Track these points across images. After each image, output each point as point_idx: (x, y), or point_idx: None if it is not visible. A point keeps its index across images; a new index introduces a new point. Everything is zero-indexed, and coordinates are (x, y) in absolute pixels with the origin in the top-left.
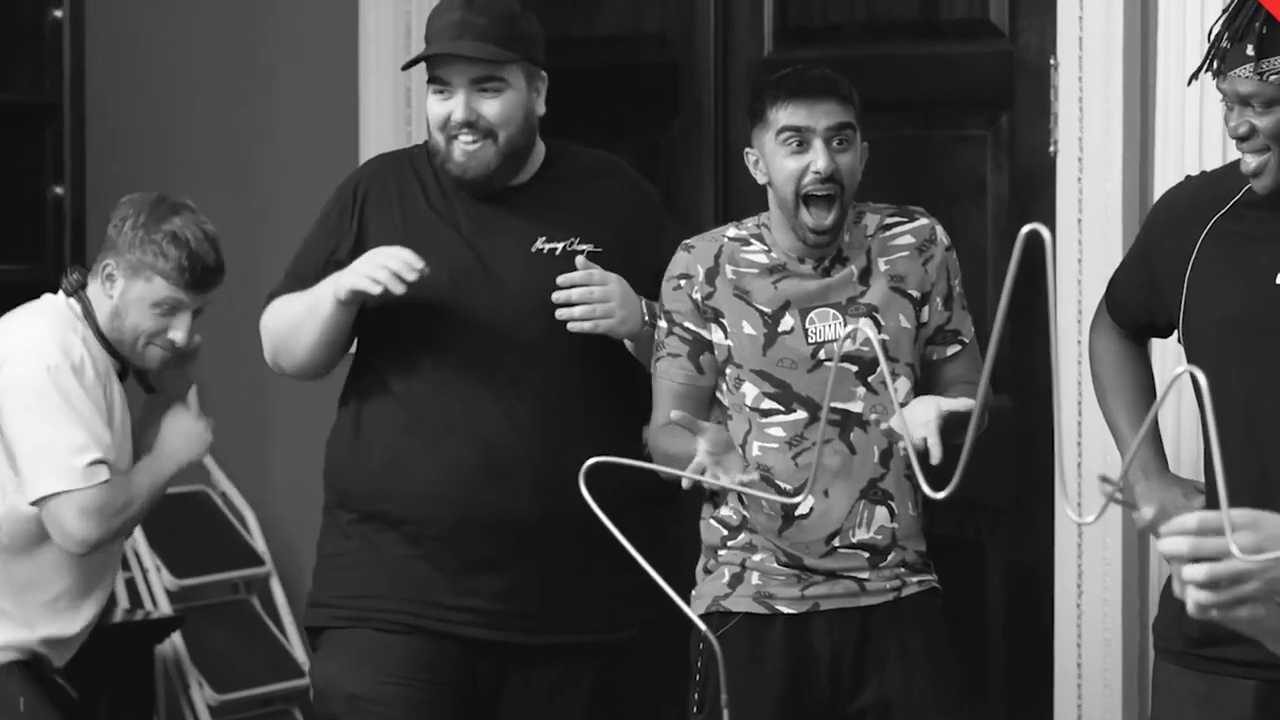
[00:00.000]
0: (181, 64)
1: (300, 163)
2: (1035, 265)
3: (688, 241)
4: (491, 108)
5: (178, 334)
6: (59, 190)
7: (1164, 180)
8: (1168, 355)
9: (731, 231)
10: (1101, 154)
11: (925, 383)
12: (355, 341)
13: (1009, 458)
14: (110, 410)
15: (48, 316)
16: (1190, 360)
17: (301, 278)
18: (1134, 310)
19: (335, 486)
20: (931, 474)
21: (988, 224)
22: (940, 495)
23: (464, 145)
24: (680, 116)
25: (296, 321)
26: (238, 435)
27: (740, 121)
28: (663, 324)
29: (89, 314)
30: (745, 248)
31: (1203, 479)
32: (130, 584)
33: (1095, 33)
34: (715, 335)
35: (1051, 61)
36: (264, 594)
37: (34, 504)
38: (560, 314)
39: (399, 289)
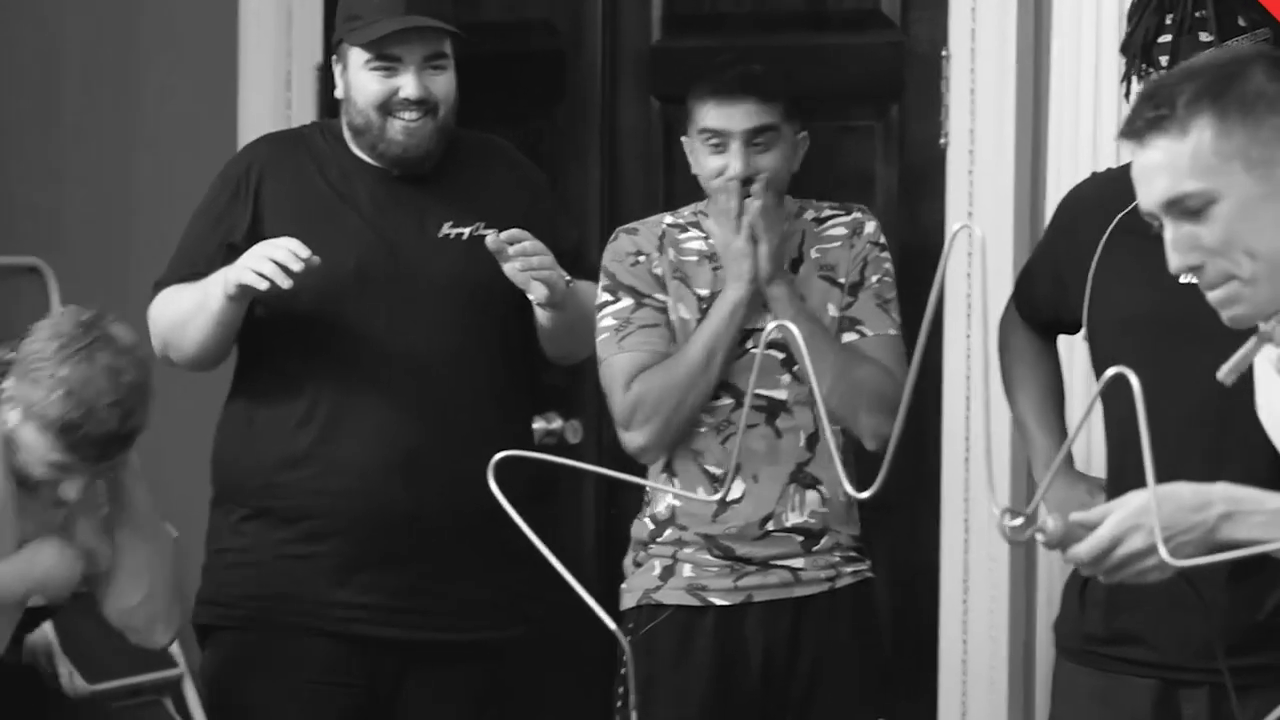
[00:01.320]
0: (55, 38)
1: (176, 145)
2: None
3: (629, 225)
4: (439, 85)
5: (69, 492)
6: None
7: (1058, 173)
8: (1075, 353)
9: (669, 219)
10: (994, 146)
11: None
12: (247, 328)
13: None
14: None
15: None
16: (1095, 359)
17: (193, 265)
18: (1042, 307)
19: (226, 481)
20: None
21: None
22: (864, 495)
23: (406, 122)
24: (565, 104)
25: (186, 315)
26: None
27: (626, 110)
28: (628, 300)
29: None
30: (683, 234)
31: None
32: None
33: (988, 23)
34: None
35: (943, 53)
36: None
37: None
38: (505, 267)
39: (285, 283)
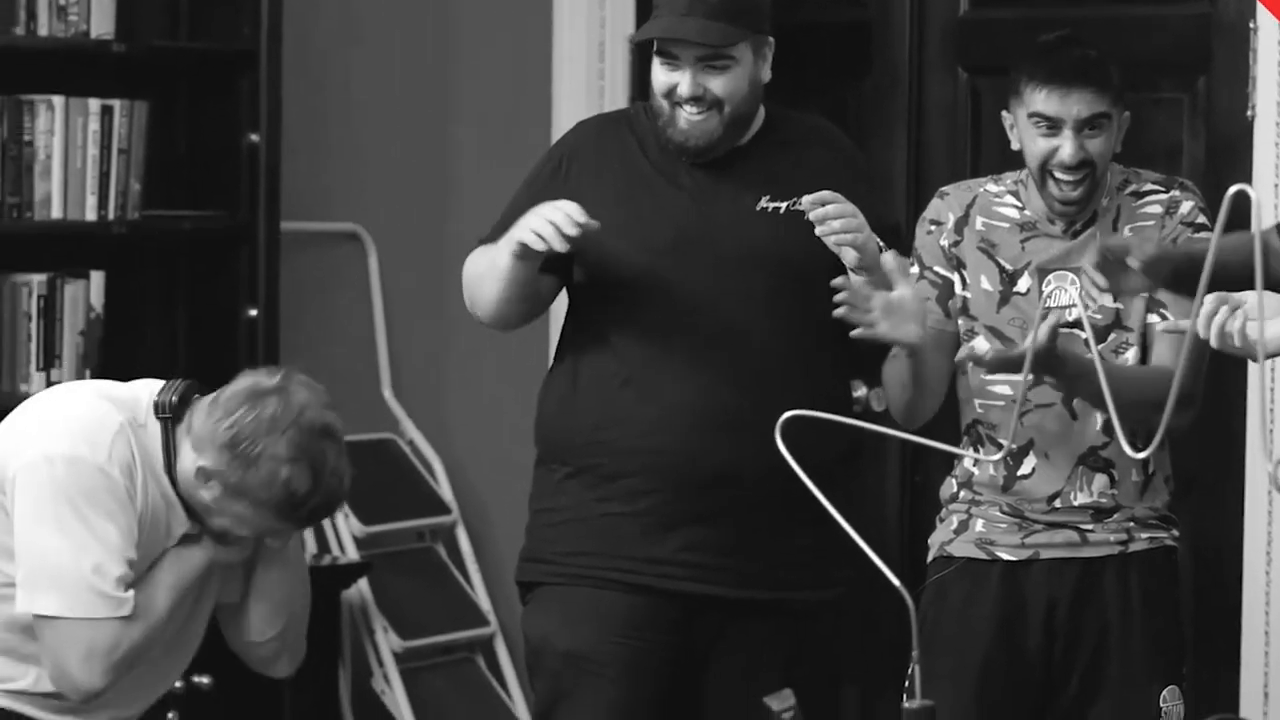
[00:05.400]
0: (376, 13)
1: (491, 115)
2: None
3: (944, 189)
4: (719, 84)
5: (276, 543)
6: (254, 138)
7: None
8: None
9: (989, 185)
10: None
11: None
12: (571, 294)
13: (1195, 431)
14: (158, 547)
15: (117, 411)
16: None
17: (505, 230)
18: None
19: (549, 440)
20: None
21: None
22: (1141, 455)
23: (689, 116)
24: (871, 77)
25: (481, 273)
26: (426, 385)
27: (933, 83)
28: (914, 269)
29: (168, 459)
30: (999, 201)
31: None
32: (318, 530)
33: None
34: (957, 284)
35: (1251, 24)
36: (449, 542)
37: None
38: (819, 230)
39: (560, 245)
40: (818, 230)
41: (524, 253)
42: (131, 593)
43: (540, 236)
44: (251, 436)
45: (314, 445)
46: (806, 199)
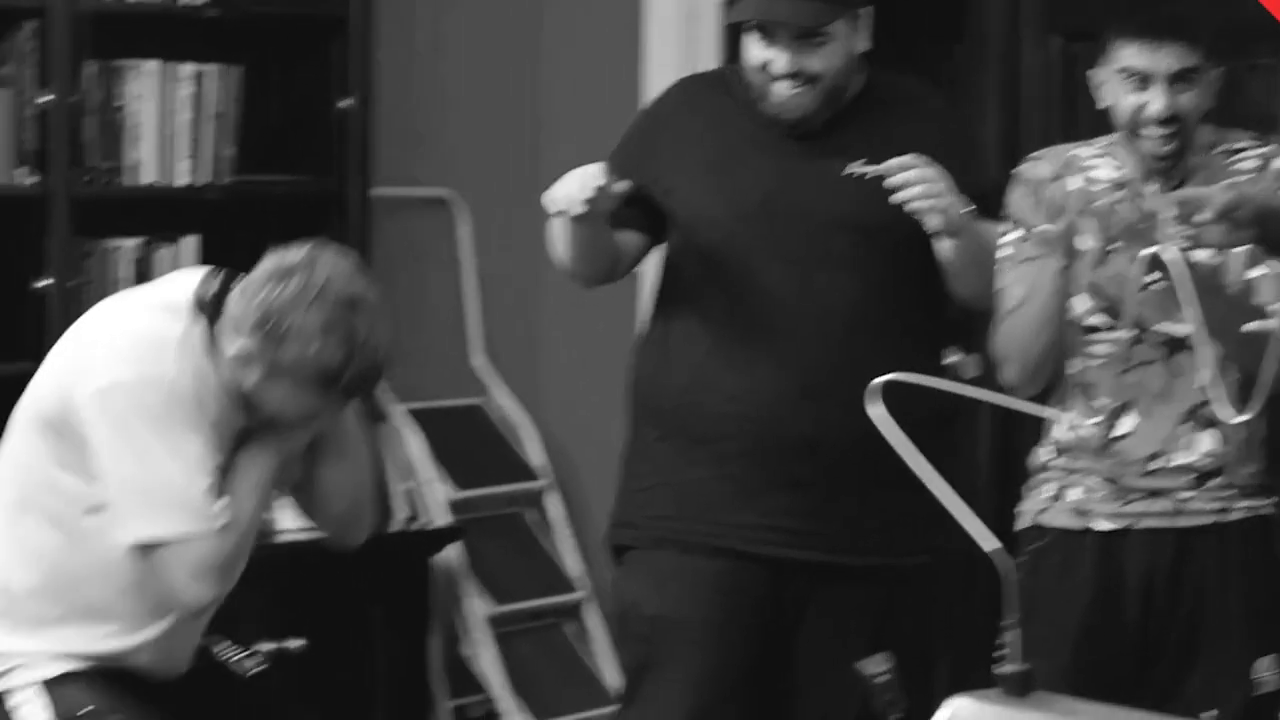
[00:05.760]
0: None
1: (582, 83)
2: None
3: (1035, 154)
4: (815, 60)
5: (327, 424)
6: (346, 103)
7: None
8: None
9: (1080, 149)
10: None
11: None
12: (664, 256)
13: None
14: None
15: (169, 321)
16: None
17: None
18: None
19: (641, 403)
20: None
21: None
22: (1239, 419)
23: (784, 91)
24: (964, 43)
25: (556, 233)
26: (516, 351)
27: (1027, 49)
28: (1015, 233)
29: (214, 356)
30: (1093, 163)
31: None
32: (409, 495)
33: None
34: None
35: None
36: (540, 508)
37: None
38: (897, 196)
39: (578, 209)
40: (895, 196)
41: (558, 214)
42: (223, 502)
43: (568, 198)
44: (279, 313)
45: (342, 317)
46: (888, 164)
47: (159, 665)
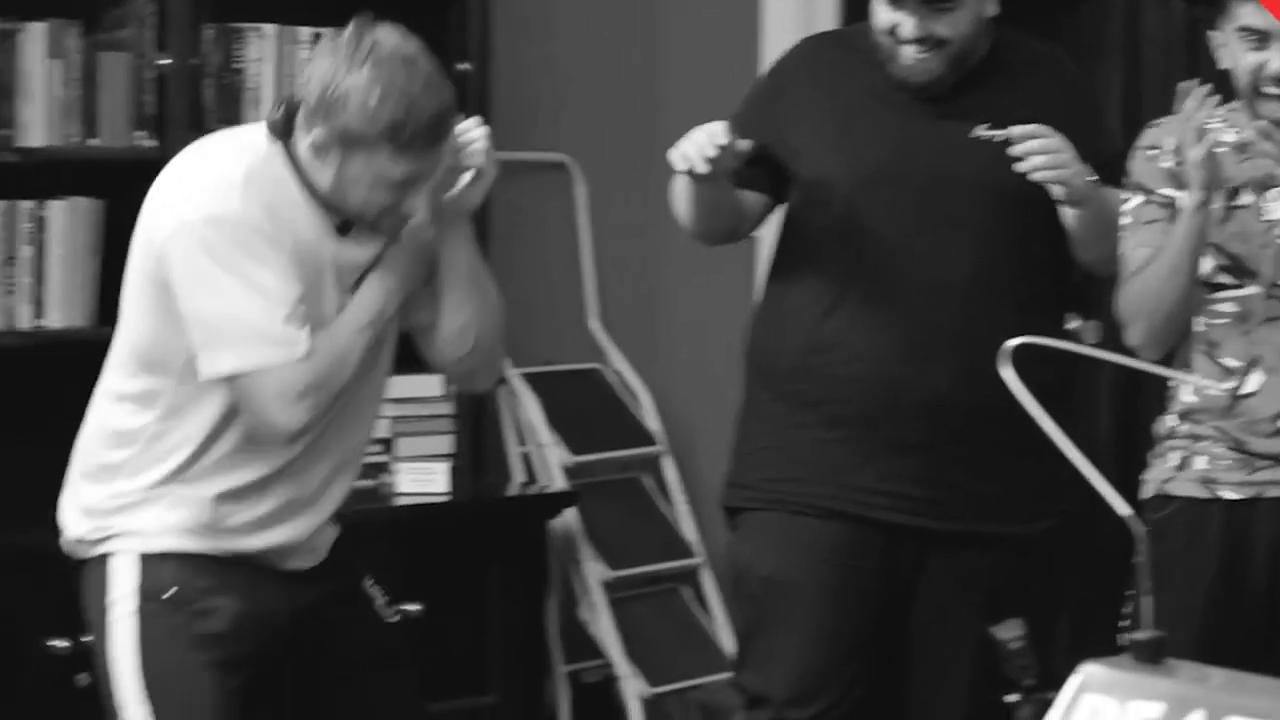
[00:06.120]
0: None
1: (699, 46)
2: None
3: (1155, 121)
4: (944, 25)
5: (417, 207)
6: (463, 67)
7: None
8: None
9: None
10: None
11: None
12: (784, 215)
13: None
14: (319, 275)
15: (236, 157)
16: None
17: None
18: None
19: (756, 364)
20: None
21: None
22: None
23: (912, 55)
24: (1086, 6)
25: (678, 192)
26: (633, 315)
27: (1148, 12)
28: (1137, 198)
29: (296, 168)
30: (1213, 126)
31: None
32: (527, 459)
33: None
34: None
35: None
36: (656, 473)
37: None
38: (1021, 166)
39: (701, 167)
40: (1019, 165)
41: (682, 172)
42: (305, 330)
43: (685, 158)
44: (333, 80)
45: (395, 69)
46: (1012, 130)
47: (281, 545)
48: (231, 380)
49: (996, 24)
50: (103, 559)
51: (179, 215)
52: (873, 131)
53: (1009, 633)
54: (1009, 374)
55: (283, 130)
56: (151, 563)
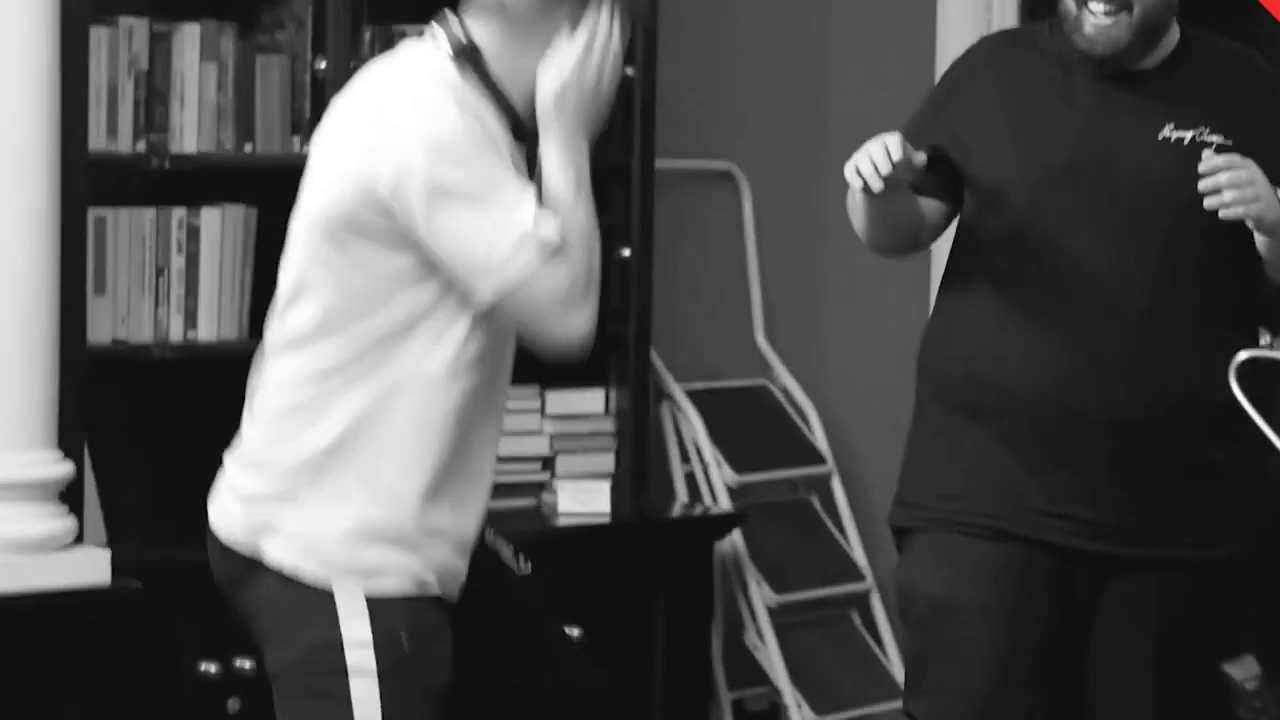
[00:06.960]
0: None
1: (871, 53)
2: None
3: None
4: None
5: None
6: (630, 73)
7: None
8: None
9: None
10: None
11: None
12: (959, 223)
13: None
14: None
15: (425, 84)
16: None
17: None
18: None
19: (927, 375)
20: None
21: None
22: None
23: (1096, 17)
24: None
25: (853, 204)
26: (801, 330)
27: None
28: None
29: (490, 87)
30: None
31: None
32: (690, 478)
33: None
34: None
35: None
36: (824, 493)
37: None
38: (1209, 202)
39: (876, 185)
40: (1208, 201)
41: (857, 188)
42: (551, 220)
43: (857, 174)
44: None
45: None
46: (1203, 165)
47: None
48: (502, 304)
49: (1188, 22)
50: (322, 594)
51: (401, 158)
52: (1054, 130)
53: (1244, 671)
54: (1236, 387)
55: (470, 52)
56: (380, 606)
